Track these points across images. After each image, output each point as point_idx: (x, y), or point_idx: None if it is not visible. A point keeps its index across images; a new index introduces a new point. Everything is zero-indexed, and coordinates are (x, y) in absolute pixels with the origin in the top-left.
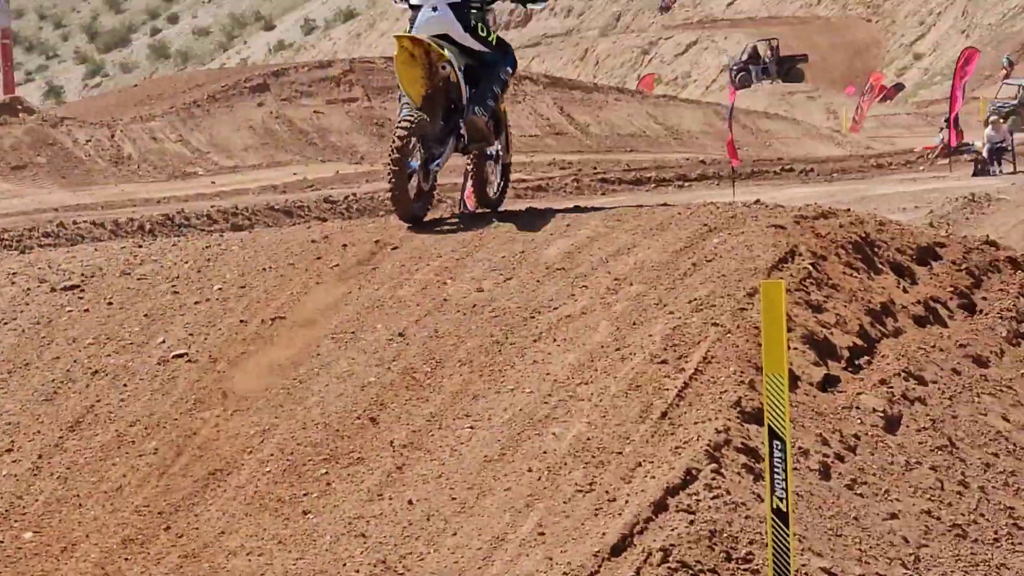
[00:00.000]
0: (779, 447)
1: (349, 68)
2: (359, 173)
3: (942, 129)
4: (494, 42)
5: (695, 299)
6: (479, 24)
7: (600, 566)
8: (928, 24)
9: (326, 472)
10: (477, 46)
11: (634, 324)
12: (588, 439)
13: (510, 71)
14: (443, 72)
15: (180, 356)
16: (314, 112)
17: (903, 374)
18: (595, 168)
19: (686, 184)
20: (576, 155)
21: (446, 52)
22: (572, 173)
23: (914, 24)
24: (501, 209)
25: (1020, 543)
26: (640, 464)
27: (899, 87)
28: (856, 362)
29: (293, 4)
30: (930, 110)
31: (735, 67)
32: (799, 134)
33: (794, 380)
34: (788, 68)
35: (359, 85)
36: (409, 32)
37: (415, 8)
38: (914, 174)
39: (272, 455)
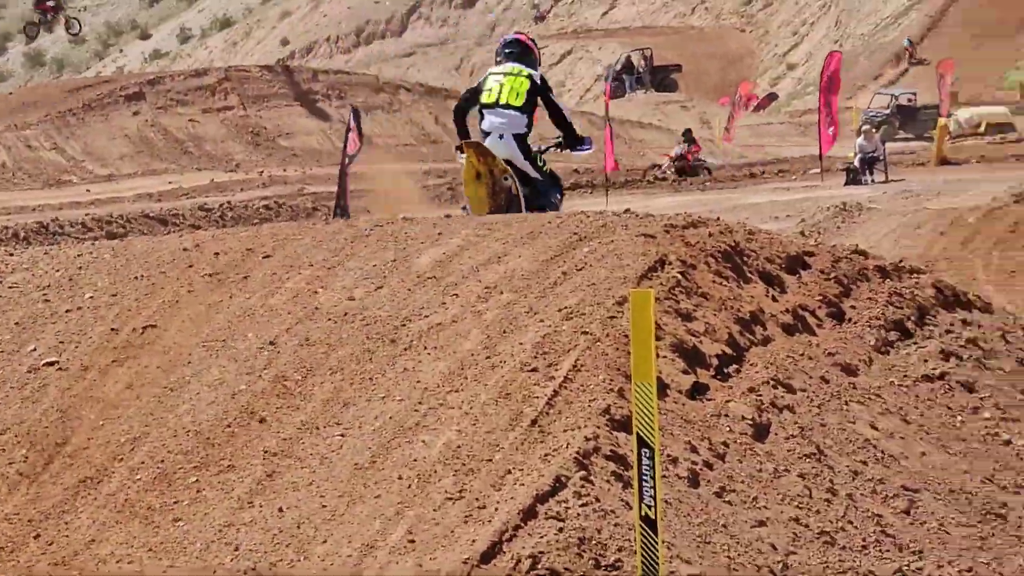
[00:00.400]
0: (647, 455)
1: (225, 77)
2: (234, 181)
3: (679, 143)
4: (548, 172)
5: (565, 307)
6: (537, 155)
7: (470, 573)
8: (801, 34)
9: (197, 480)
10: (533, 173)
11: (504, 332)
12: (458, 447)
13: (559, 198)
14: (505, 184)
15: (51, 364)
16: (189, 120)
17: (772, 382)
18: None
19: None
20: (451, 164)
21: (507, 167)
22: (447, 181)
23: (787, 34)
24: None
25: (888, 550)
26: (510, 471)
27: (772, 97)
28: (725, 370)
29: (169, 13)
30: (803, 119)
31: (609, 77)
32: (672, 143)
33: (663, 388)
34: (662, 78)
35: (235, 93)
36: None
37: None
38: (787, 183)
39: (143, 463)
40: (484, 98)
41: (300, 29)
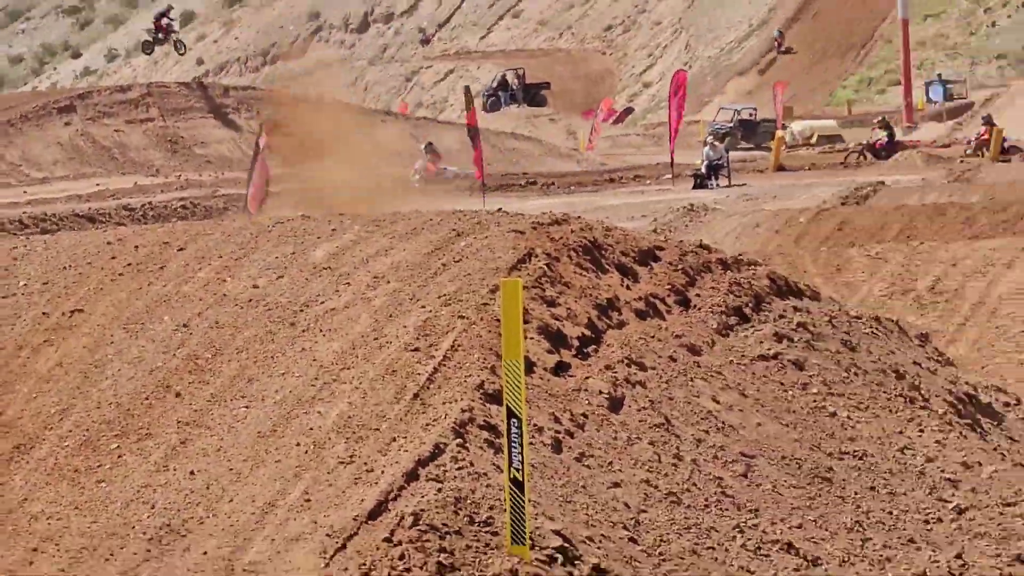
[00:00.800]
0: (516, 424)
1: (147, 92)
2: (155, 184)
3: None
4: None
5: (444, 295)
6: None
7: (359, 528)
8: (655, 56)
9: (118, 446)
10: None
11: (391, 317)
12: (349, 417)
13: None
14: None
15: None
16: (115, 131)
17: (626, 361)
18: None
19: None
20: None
21: None
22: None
23: (643, 56)
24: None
25: (727, 509)
26: (395, 439)
27: (629, 111)
28: (585, 350)
29: (98, 35)
30: (656, 131)
31: (486, 93)
32: (542, 152)
33: (530, 366)
34: (533, 94)
35: (155, 107)
36: None
37: None
38: (642, 187)
39: (70, 431)
40: None
41: (214, 51)
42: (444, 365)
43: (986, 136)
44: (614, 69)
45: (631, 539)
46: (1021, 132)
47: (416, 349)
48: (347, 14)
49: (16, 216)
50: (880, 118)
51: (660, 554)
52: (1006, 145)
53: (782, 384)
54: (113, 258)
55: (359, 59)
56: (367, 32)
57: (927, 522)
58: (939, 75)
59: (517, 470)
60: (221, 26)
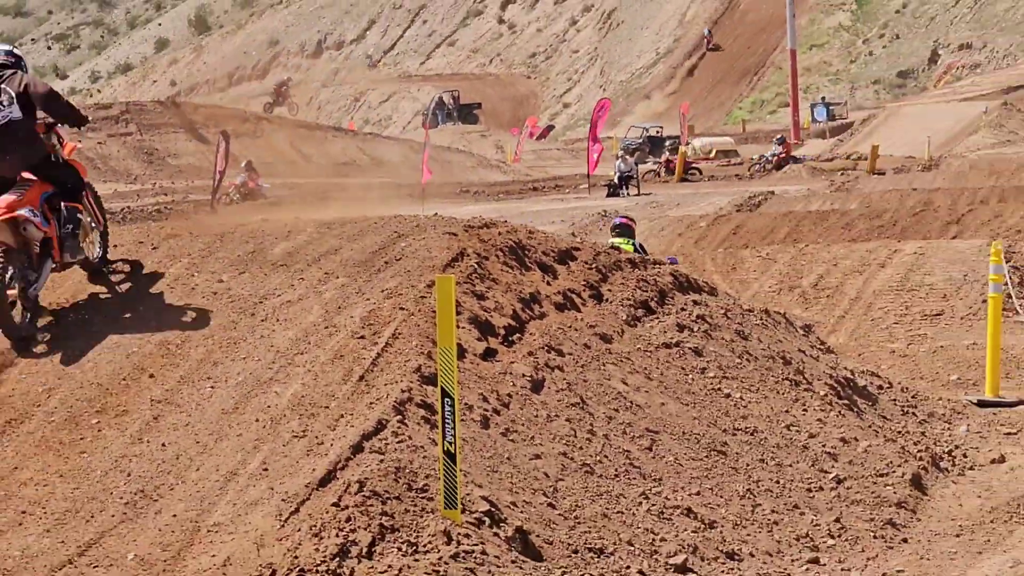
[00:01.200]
0: (449, 403)
1: (126, 109)
2: (133, 191)
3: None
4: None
5: (386, 289)
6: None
7: (311, 494)
8: (574, 80)
9: (98, 421)
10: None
11: (339, 308)
12: (303, 397)
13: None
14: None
15: None
16: (98, 143)
17: (546, 348)
18: (317, 188)
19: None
20: (303, 179)
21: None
22: (298, 192)
23: (563, 80)
24: (238, 218)
25: (635, 478)
26: (343, 416)
27: (550, 128)
28: (510, 338)
29: (83, 59)
30: (575, 146)
31: (425, 112)
32: (474, 164)
33: (462, 352)
34: (466, 113)
35: (134, 122)
36: None
37: None
38: (562, 196)
39: (56, 408)
40: None
41: (185, 73)
42: (386, 351)
43: (783, 155)
44: (538, 91)
45: (550, 504)
46: (895, 148)
47: (362, 337)
48: (303, 41)
49: None
50: (779, 136)
51: (575, 518)
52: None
53: (683, 368)
54: None
55: (313, 82)
56: (320, 57)
57: (810, 490)
58: (823, 98)
59: (450, 443)
60: (192, 51)
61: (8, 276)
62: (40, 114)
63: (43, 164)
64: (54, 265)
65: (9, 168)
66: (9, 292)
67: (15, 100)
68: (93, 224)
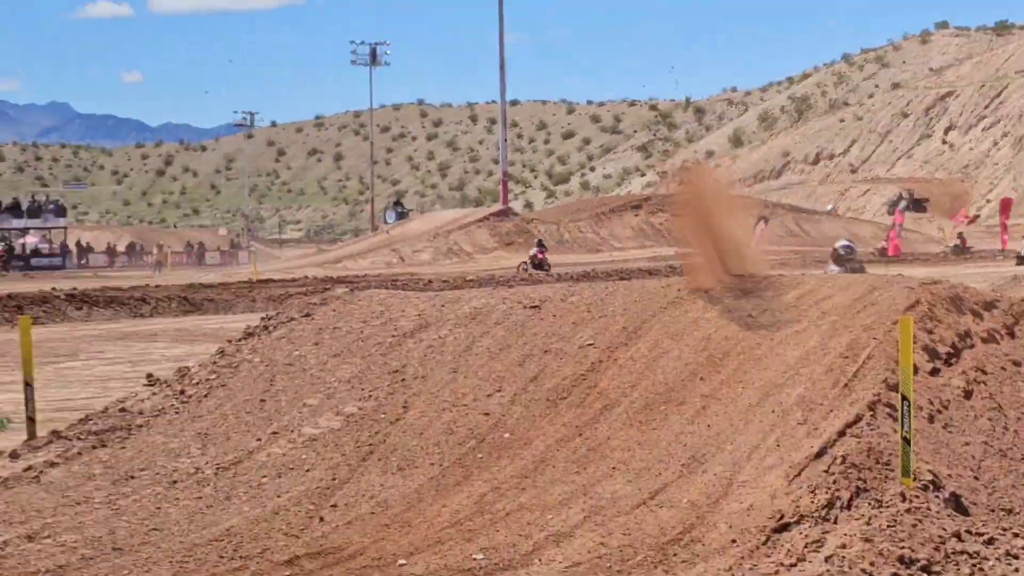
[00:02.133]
0: (906, 405)
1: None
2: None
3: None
4: None
5: (864, 324)
6: None
7: (808, 464)
8: (993, 184)
9: (664, 408)
10: None
11: (831, 336)
12: (804, 397)
13: None
14: None
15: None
16: (665, 219)
17: (974, 368)
18: (808, 254)
19: None
20: (803, 248)
21: None
22: (800, 256)
23: (987, 183)
24: None
25: None
26: (832, 411)
27: (976, 217)
28: (950, 361)
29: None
30: (993, 231)
31: (889, 203)
32: (923, 240)
33: (916, 369)
34: (919, 204)
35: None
36: None
37: None
38: (985, 263)
39: (636, 398)
40: None
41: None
42: (863, 367)
43: None
44: (968, 191)
45: (975, 477)
46: None
47: (846, 357)
48: (807, 153)
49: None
50: None
51: (992, 487)
52: None
53: None
54: (666, 296)
55: (812, 182)
56: (817, 164)
57: None
58: None
59: (907, 432)
60: (729, 159)
61: None
62: None
63: None
64: None
65: None
66: None
67: None
68: None
